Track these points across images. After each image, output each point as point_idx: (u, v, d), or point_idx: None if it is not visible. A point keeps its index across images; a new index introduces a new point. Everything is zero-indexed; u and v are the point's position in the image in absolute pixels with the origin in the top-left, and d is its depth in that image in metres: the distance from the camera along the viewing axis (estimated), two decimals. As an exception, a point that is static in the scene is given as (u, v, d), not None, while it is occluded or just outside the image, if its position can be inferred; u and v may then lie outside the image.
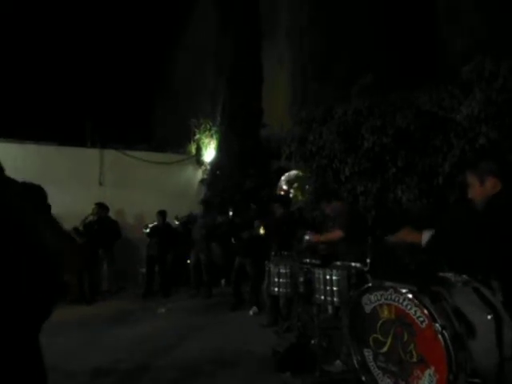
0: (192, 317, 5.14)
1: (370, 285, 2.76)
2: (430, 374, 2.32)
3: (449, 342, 2.20)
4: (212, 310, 5.43)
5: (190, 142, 8.70)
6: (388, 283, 2.62)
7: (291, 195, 5.88)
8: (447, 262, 2.69)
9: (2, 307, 1.25)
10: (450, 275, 2.51)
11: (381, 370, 2.62)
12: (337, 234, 3.41)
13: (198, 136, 8.65)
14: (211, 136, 8.59)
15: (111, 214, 6.86)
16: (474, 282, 2.37)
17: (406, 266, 3.46)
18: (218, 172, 8.11)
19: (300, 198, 5.82)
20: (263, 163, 7.84)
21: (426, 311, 2.32)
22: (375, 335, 2.65)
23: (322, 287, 3.08)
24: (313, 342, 3.34)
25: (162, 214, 6.70)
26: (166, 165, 8.11)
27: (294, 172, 5.99)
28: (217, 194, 7.74)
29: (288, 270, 3.51)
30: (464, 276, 2.45)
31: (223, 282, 6.99)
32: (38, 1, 10.19)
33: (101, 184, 7.59)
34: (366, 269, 3.03)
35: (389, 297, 2.56)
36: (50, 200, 1.93)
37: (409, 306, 2.43)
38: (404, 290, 2.47)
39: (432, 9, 6.50)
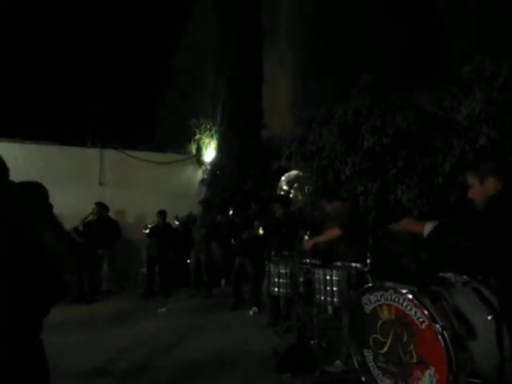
0: (192, 317, 5.14)
1: (370, 285, 2.76)
2: (429, 375, 2.32)
3: (449, 342, 2.20)
4: (212, 310, 5.43)
5: (190, 142, 8.70)
6: (388, 284, 2.62)
7: (291, 195, 5.88)
8: (447, 258, 2.69)
9: (2, 307, 1.26)
10: (449, 275, 2.51)
11: (381, 370, 2.63)
12: (335, 232, 3.40)
13: (198, 136, 8.65)
14: (211, 136, 8.59)
15: (111, 214, 6.86)
16: (474, 283, 2.37)
17: (406, 267, 3.46)
18: (218, 172, 8.11)
19: (300, 198, 5.82)
20: (263, 163, 7.84)
21: (426, 312, 2.32)
22: (375, 335, 2.65)
23: (322, 287, 3.08)
24: (313, 342, 3.34)
25: (162, 213, 6.70)
26: (167, 165, 8.11)
27: (294, 172, 5.98)
28: (217, 194, 7.74)
29: (288, 271, 3.51)
30: (464, 276, 2.45)
31: (223, 282, 6.99)
32: (39, 1, 10.19)
33: (101, 184, 7.59)
34: (366, 269, 3.03)
35: (389, 297, 2.56)
36: (51, 200, 1.93)
37: (409, 307, 2.43)
38: (404, 291, 2.48)
39: (432, 9, 6.50)
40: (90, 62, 11.00)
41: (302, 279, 3.42)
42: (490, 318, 2.15)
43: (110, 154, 7.80)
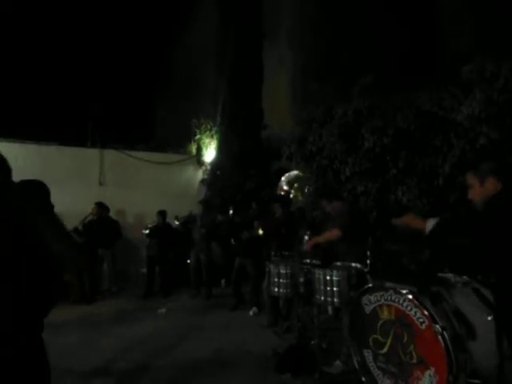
0: (192, 317, 5.14)
1: (370, 285, 2.76)
2: (430, 375, 2.32)
3: (449, 342, 2.20)
4: (212, 311, 5.43)
5: (190, 142, 8.70)
6: (388, 284, 2.62)
7: (291, 195, 5.88)
8: (447, 257, 2.68)
9: (2, 307, 1.26)
10: (449, 276, 2.51)
11: (381, 370, 2.62)
12: (334, 233, 3.40)
13: (198, 136, 8.65)
14: (212, 136, 8.59)
15: (111, 214, 6.86)
16: (474, 283, 2.37)
17: (406, 267, 3.46)
18: (218, 172, 8.11)
19: (300, 198, 5.82)
20: (264, 163, 7.84)
21: (426, 312, 2.32)
22: (375, 336, 2.65)
23: (322, 288, 3.08)
24: (313, 342, 3.34)
25: (162, 214, 6.70)
26: (167, 165, 8.11)
27: (294, 172, 5.98)
28: (217, 195, 7.74)
29: (288, 271, 3.50)
30: (464, 277, 2.45)
31: (223, 282, 6.99)
32: (39, 1, 10.19)
33: (101, 184, 7.59)
34: (366, 269, 3.03)
35: (389, 297, 2.56)
36: (51, 200, 1.94)
37: (409, 307, 2.43)
38: (404, 291, 2.47)
39: (433, 9, 6.50)
40: (89, 62, 11.01)
41: (302, 279, 3.41)
42: (489, 318, 2.15)
43: (110, 154, 7.80)
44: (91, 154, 7.70)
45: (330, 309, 3.51)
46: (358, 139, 4.65)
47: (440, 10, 6.46)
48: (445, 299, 2.41)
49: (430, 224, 2.12)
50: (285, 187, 5.94)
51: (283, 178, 6.07)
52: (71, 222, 5.64)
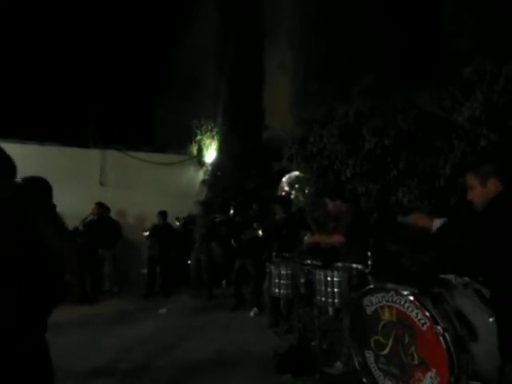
0: (192, 317, 5.14)
1: (372, 286, 2.76)
2: (431, 377, 2.32)
3: (450, 344, 2.20)
4: (212, 311, 5.43)
5: (191, 143, 8.70)
6: (389, 285, 2.62)
7: (292, 196, 5.88)
8: (449, 258, 2.67)
9: (5, 307, 1.26)
10: (451, 277, 2.51)
11: (382, 371, 2.62)
12: (336, 238, 3.40)
13: (199, 137, 8.65)
14: (212, 137, 8.59)
15: (112, 215, 6.87)
16: (476, 284, 2.37)
17: (408, 268, 3.46)
18: (219, 173, 8.11)
19: (301, 199, 5.81)
20: (264, 164, 7.83)
21: (427, 313, 2.32)
22: (376, 337, 2.64)
23: (322, 289, 3.07)
24: (313, 343, 3.33)
25: (163, 214, 6.70)
26: (168, 165, 8.11)
27: (295, 173, 5.97)
28: (218, 195, 7.74)
29: (289, 272, 3.51)
30: (465, 278, 2.45)
31: (224, 282, 6.99)
32: (40, 1, 10.21)
33: (102, 184, 7.59)
34: (367, 270, 3.03)
35: (390, 299, 2.56)
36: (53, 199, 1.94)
37: (410, 308, 2.43)
38: (405, 292, 2.47)
39: (433, 9, 6.49)
40: (90, 63, 11.01)
41: (302, 280, 3.41)
42: (491, 319, 2.14)
43: (111, 155, 7.80)
44: (92, 154, 7.71)
45: (330, 310, 3.51)
46: (359, 140, 4.65)
47: (440, 10, 6.46)
48: (446, 300, 2.41)
49: (437, 223, 2.11)
50: (286, 188, 5.93)
51: (284, 179, 6.05)
52: (72, 223, 5.64)
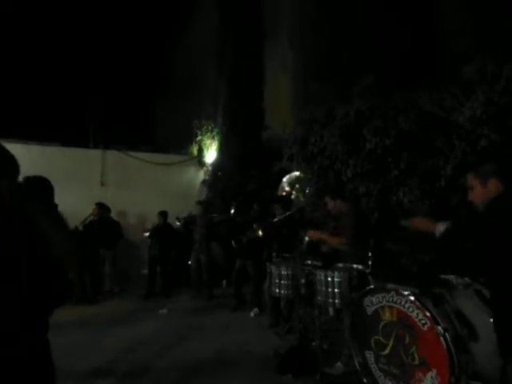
0: (193, 317, 5.14)
1: (372, 287, 2.76)
2: (431, 377, 2.32)
3: (451, 344, 2.20)
4: (213, 311, 5.43)
5: (191, 143, 8.71)
6: (390, 285, 2.62)
7: (293, 196, 5.88)
8: (451, 259, 2.65)
9: (7, 307, 1.26)
10: (451, 277, 2.50)
11: (382, 372, 2.62)
12: (340, 241, 3.41)
13: (199, 137, 8.66)
14: (213, 137, 8.60)
15: (113, 215, 6.88)
16: (476, 285, 2.36)
17: (408, 268, 3.45)
18: (219, 173, 8.11)
19: (301, 199, 5.81)
20: (265, 164, 7.83)
21: (427, 313, 2.32)
22: (377, 337, 2.64)
23: (323, 289, 3.07)
24: (314, 343, 3.33)
25: (163, 214, 6.71)
26: (168, 166, 8.12)
27: (295, 173, 5.98)
28: (218, 196, 7.74)
29: (289, 272, 3.50)
30: (466, 278, 2.45)
31: (224, 282, 6.99)
32: (41, 2, 10.22)
33: (103, 184, 7.60)
34: (367, 270, 3.03)
35: (391, 299, 2.56)
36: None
37: (411, 309, 2.43)
38: (406, 293, 2.47)
39: (433, 9, 6.49)
40: (91, 63, 11.03)
41: (303, 280, 3.41)
42: (491, 319, 2.14)
43: (112, 155, 7.81)
44: (93, 154, 7.72)
45: (331, 310, 3.51)
46: (360, 140, 4.64)
47: (440, 10, 6.45)
48: (447, 301, 2.41)
49: (441, 228, 2.08)
50: (286, 188, 5.93)
51: (284, 179, 6.06)
52: (73, 223, 5.65)
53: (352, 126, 4.75)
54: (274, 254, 4.33)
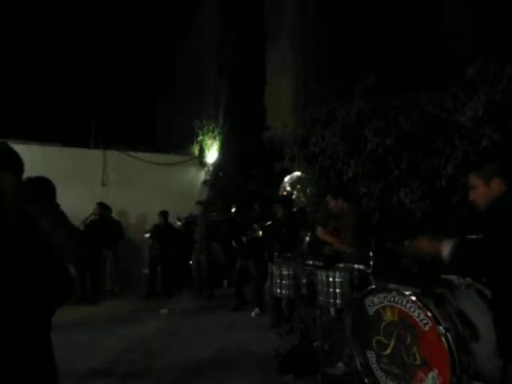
0: (194, 318, 5.14)
1: (373, 287, 2.75)
2: (433, 377, 2.31)
3: (452, 344, 2.19)
4: (214, 311, 5.43)
5: (192, 144, 8.72)
6: (391, 285, 2.61)
7: (294, 196, 5.88)
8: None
9: (8, 307, 1.26)
10: (453, 277, 2.50)
11: (384, 372, 2.62)
12: (345, 245, 3.41)
13: (200, 137, 8.66)
14: (214, 137, 8.60)
15: (114, 215, 6.88)
16: (478, 285, 2.36)
17: (410, 268, 3.45)
18: (220, 173, 8.11)
19: (302, 199, 5.81)
20: (266, 164, 7.84)
21: (429, 314, 2.32)
22: (378, 337, 2.64)
23: (324, 289, 3.07)
24: (315, 343, 3.33)
25: (164, 214, 6.71)
26: (169, 166, 8.13)
27: (296, 173, 5.98)
28: (219, 196, 7.74)
29: (291, 272, 3.51)
30: (467, 278, 2.44)
31: (225, 282, 6.99)
32: (43, 2, 10.25)
33: (104, 184, 7.61)
34: (369, 271, 3.03)
35: (392, 299, 2.56)
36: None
37: (412, 309, 2.42)
38: (407, 293, 2.47)
39: (434, 9, 6.49)
40: (92, 64, 11.05)
41: (304, 281, 3.41)
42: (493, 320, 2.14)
43: (113, 155, 7.82)
44: (94, 154, 7.73)
45: (332, 310, 3.52)
46: (361, 140, 4.64)
47: (441, 10, 6.45)
48: (448, 301, 2.40)
49: (447, 247, 1.85)
50: (288, 188, 5.93)
51: (286, 179, 6.06)
52: (74, 223, 5.64)
53: (353, 126, 4.75)
54: (276, 254, 4.33)
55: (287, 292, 3.53)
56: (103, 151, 7.78)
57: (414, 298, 2.42)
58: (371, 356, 2.69)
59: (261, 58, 8.58)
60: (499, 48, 4.40)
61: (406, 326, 2.47)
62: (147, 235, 6.70)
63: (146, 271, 6.78)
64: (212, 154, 8.58)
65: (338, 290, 3.00)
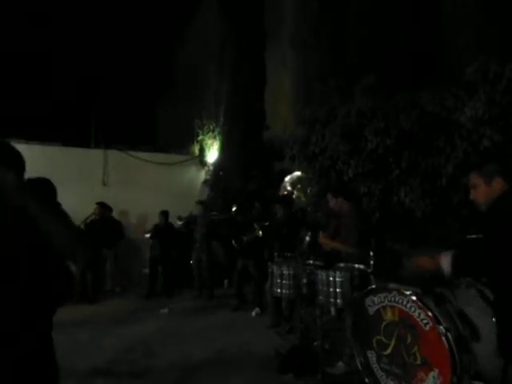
0: (194, 317, 5.14)
1: (374, 286, 2.75)
2: (433, 377, 2.31)
3: (453, 344, 2.19)
4: (214, 311, 5.43)
5: (193, 143, 8.72)
6: (392, 285, 2.61)
7: (294, 196, 5.88)
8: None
9: (8, 307, 1.26)
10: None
11: (384, 372, 2.62)
12: (347, 246, 3.41)
13: (201, 137, 8.66)
14: (214, 137, 8.60)
15: (115, 214, 6.89)
16: (478, 284, 2.35)
17: (410, 268, 3.44)
18: (220, 173, 8.11)
19: (303, 199, 5.81)
20: (266, 164, 7.84)
21: (429, 313, 2.31)
22: (379, 337, 2.64)
23: (325, 289, 3.07)
24: (315, 343, 3.33)
25: (165, 214, 6.72)
26: (170, 165, 8.13)
27: (297, 173, 5.98)
28: (219, 196, 7.75)
29: (291, 272, 3.51)
30: (468, 278, 2.44)
31: (226, 282, 6.99)
32: (43, 2, 10.25)
33: (104, 184, 7.61)
34: (369, 270, 3.02)
35: (392, 299, 2.55)
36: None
37: (412, 308, 2.42)
38: (408, 292, 2.47)
39: (435, 8, 6.48)
40: (93, 64, 11.05)
41: (304, 280, 3.41)
42: (493, 319, 2.14)
43: (114, 155, 7.82)
44: (95, 154, 7.73)
45: (332, 310, 3.51)
46: (361, 140, 4.64)
47: (442, 10, 6.45)
48: (449, 300, 2.40)
49: (446, 260, 1.82)
50: (288, 188, 5.93)
51: (287, 179, 6.06)
52: (74, 222, 5.66)
53: (353, 125, 4.75)
54: (276, 253, 4.33)
55: (287, 292, 3.53)
56: (104, 151, 7.78)
57: (414, 298, 2.41)
58: (371, 356, 2.69)
59: (261, 57, 8.57)
60: (500, 48, 4.40)
61: (406, 326, 2.46)
62: (147, 235, 6.70)
63: (147, 271, 6.78)
64: (212, 154, 8.58)
65: (338, 290, 3.00)
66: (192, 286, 6.46)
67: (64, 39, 10.66)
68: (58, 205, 1.68)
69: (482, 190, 1.95)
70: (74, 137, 7.71)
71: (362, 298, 2.75)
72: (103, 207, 6.52)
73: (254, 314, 5.10)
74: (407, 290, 2.48)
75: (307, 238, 4.24)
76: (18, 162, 1.38)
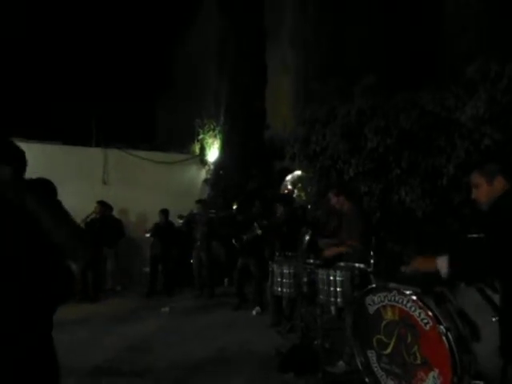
0: (195, 316, 5.15)
1: (374, 286, 2.75)
2: (434, 377, 2.31)
3: (453, 343, 2.19)
4: (215, 310, 5.43)
5: (193, 142, 8.71)
6: (392, 284, 2.61)
7: (295, 195, 5.88)
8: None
9: (8, 307, 1.26)
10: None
11: (384, 371, 2.62)
12: (348, 246, 3.41)
13: (201, 136, 8.66)
14: (215, 136, 8.59)
15: (115, 213, 6.89)
16: (479, 283, 2.36)
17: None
18: (221, 172, 8.11)
19: (303, 198, 5.81)
20: (266, 163, 7.84)
21: (430, 313, 2.31)
22: (379, 336, 2.64)
23: (325, 288, 3.08)
24: (316, 342, 3.33)
25: (165, 212, 6.72)
26: (170, 164, 8.13)
27: (297, 172, 5.98)
28: (220, 195, 7.75)
29: (291, 271, 3.51)
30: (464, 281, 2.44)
31: (226, 281, 7.00)
32: (44, 1, 10.24)
33: (105, 183, 7.61)
34: (369, 269, 3.03)
35: (392, 298, 2.55)
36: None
37: (413, 308, 2.42)
38: (408, 292, 2.47)
39: (436, 8, 6.48)
40: (93, 63, 11.04)
41: (305, 279, 3.41)
42: (494, 319, 2.14)
43: (114, 154, 7.81)
44: (95, 153, 7.72)
45: (333, 309, 3.52)
46: (361, 139, 4.64)
47: (443, 10, 6.44)
48: (449, 300, 2.40)
49: (442, 262, 1.81)
50: (289, 187, 5.94)
51: (288, 178, 6.06)
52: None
53: (353, 125, 4.75)
54: (276, 252, 4.33)
55: (288, 291, 3.53)
56: (104, 150, 7.78)
57: (414, 298, 2.41)
58: (372, 355, 2.69)
59: (261, 57, 8.56)
60: (500, 47, 4.40)
61: (406, 325, 2.47)
62: (148, 234, 6.70)
63: (147, 269, 6.79)
64: (213, 153, 8.58)
65: (338, 289, 3.01)
66: (193, 285, 6.47)
67: (64, 38, 10.65)
68: (59, 203, 1.68)
69: (484, 190, 1.95)
70: (74, 135, 7.71)
71: (363, 297, 2.75)
72: (103, 206, 6.52)
73: (254, 312, 5.11)
74: (407, 290, 2.48)
75: (307, 237, 4.23)
76: (18, 160, 1.37)
